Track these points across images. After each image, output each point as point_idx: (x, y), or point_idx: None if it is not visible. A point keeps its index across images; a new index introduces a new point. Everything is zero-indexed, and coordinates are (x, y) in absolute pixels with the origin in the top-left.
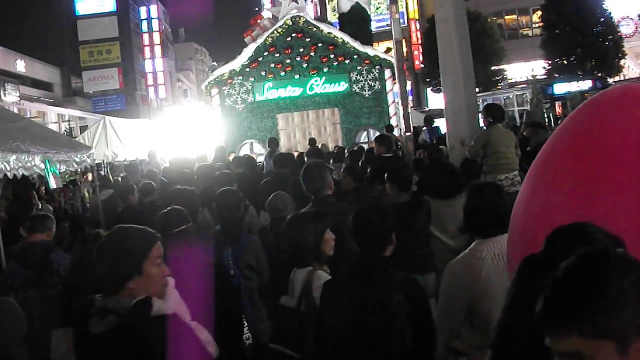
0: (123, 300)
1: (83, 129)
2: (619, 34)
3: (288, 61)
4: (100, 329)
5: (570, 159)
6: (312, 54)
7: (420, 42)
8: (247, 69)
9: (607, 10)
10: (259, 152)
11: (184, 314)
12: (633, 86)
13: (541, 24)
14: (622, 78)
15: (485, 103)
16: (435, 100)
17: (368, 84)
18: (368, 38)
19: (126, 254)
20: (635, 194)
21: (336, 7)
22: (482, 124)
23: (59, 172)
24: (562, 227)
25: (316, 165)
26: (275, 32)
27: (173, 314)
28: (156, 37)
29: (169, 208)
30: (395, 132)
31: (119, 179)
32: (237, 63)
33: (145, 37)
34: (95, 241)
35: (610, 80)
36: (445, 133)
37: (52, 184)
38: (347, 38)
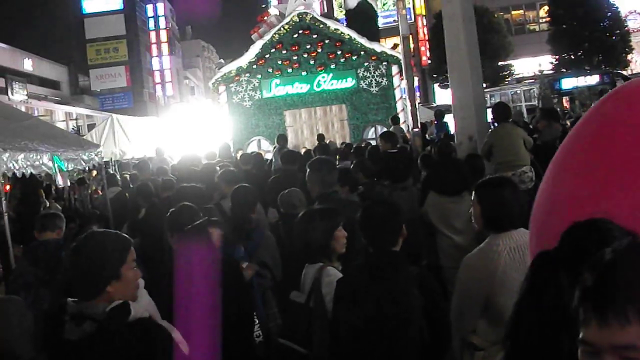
0: (99, 305)
1: (90, 127)
2: (626, 28)
3: (295, 58)
4: (77, 336)
5: (595, 150)
6: (319, 50)
7: (427, 38)
8: (254, 66)
9: (614, 4)
10: (266, 149)
11: (155, 314)
12: None
13: (548, 19)
14: (630, 73)
15: (492, 98)
16: (443, 96)
17: (375, 80)
18: (375, 34)
19: (106, 258)
20: None
21: (343, 3)
22: (490, 120)
23: (67, 170)
24: (578, 223)
25: (322, 161)
26: (282, 28)
27: (149, 317)
28: (163, 35)
29: (179, 205)
30: (403, 127)
31: (127, 176)
32: (244, 60)
33: (152, 34)
34: None
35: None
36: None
37: (60, 182)
38: (354, 34)
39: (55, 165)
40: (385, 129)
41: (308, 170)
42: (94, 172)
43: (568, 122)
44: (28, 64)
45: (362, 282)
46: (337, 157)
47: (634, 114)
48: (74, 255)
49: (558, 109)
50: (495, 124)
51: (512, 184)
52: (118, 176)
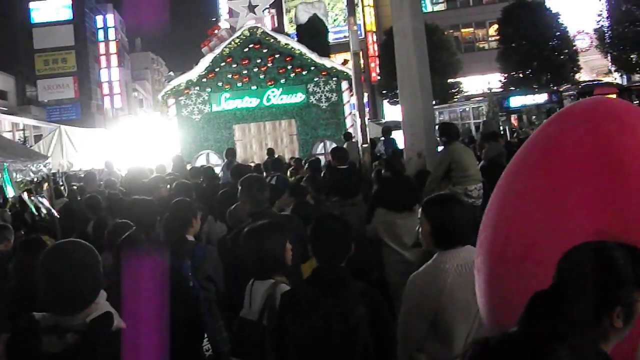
0: (78, 317)
1: (37, 138)
2: (575, 48)
3: (245, 72)
4: (59, 348)
5: (540, 170)
6: (269, 65)
7: (377, 54)
8: (204, 80)
9: (562, 24)
10: (215, 162)
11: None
12: (603, 100)
13: (497, 38)
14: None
15: (441, 115)
16: (392, 112)
17: (325, 95)
18: (325, 50)
19: (95, 269)
20: (599, 208)
21: (294, 18)
22: (439, 137)
23: (11, 182)
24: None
25: (253, 179)
26: (232, 42)
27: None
28: (112, 47)
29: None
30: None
31: (75, 188)
32: (194, 73)
33: (102, 46)
34: (39, 246)
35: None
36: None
37: (10, 193)
38: (304, 49)
39: (6, 175)
40: (334, 144)
41: (239, 188)
42: (45, 185)
43: (516, 139)
44: None
45: (309, 296)
46: (289, 171)
47: (574, 136)
48: (61, 266)
49: (506, 127)
50: (444, 142)
51: (460, 201)
52: (66, 187)
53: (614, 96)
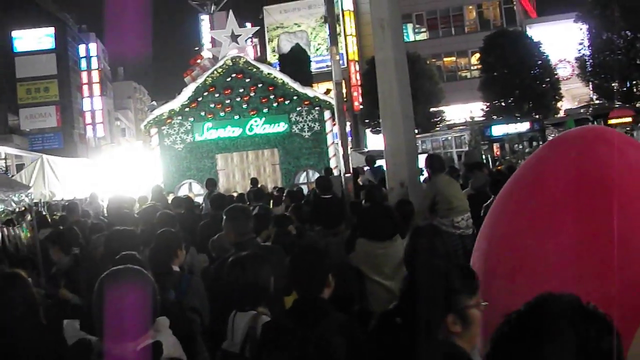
0: (128, 344)
1: (19, 167)
2: (556, 76)
3: (228, 101)
4: None
5: (531, 191)
6: (252, 94)
7: (359, 83)
8: (187, 109)
9: (544, 53)
10: (197, 192)
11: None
12: (593, 127)
13: (479, 67)
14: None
15: (424, 144)
16: (375, 141)
17: (308, 125)
18: (308, 79)
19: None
20: (585, 228)
21: (276, 48)
22: (421, 165)
23: None
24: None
25: (238, 210)
26: (215, 72)
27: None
28: (95, 76)
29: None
30: (335, 173)
31: (55, 217)
32: (176, 103)
33: (84, 75)
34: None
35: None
36: None
37: None
38: (286, 79)
39: None
40: (317, 174)
41: (224, 218)
42: (28, 216)
43: (500, 168)
44: None
45: (287, 328)
46: (271, 201)
47: (564, 159)
48: (117, 296)
49: (488, 156)
50: (429, 174)
51: (437, 230)
52: (49, 217)
53: (630, 119)
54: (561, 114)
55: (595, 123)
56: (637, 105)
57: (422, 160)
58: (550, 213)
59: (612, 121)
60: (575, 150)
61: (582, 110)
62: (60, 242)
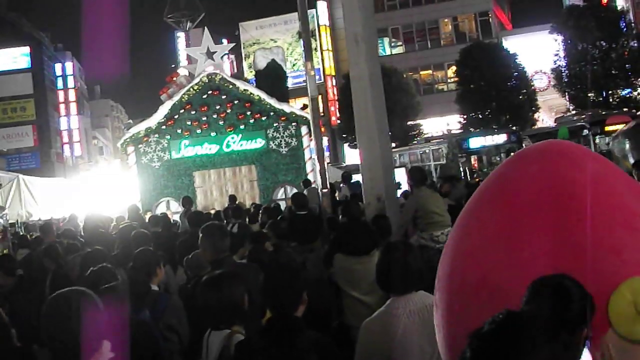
0: None
1: None
2: (533, 87)
3: (204, 118)
4: None
5: (495, 205)
6: (228, 111)
7: (336, 97)
8: (164, 127)
9: (520, 64)
10: (175, 210)
11: None
12: (555, 141)
13: (456, 79)
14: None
15: (401, 158)
16: (353, 155)
17: (285, 140)
18: (284, 95)
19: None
20: (550, 239)
21: (252, 64)
22: (398, 179)
23: None
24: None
25: (214, 227)
26: (191, 89)
27: None
28: (71, 94)
29: (99, 266)
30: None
31: (31, 237)
32: (153, 121)
33: (61, 94)
34: None
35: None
36: None
37: None
38: (263, 95)
39: None
40: (295, 189)
41: (200, 235)
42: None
43: (478, 180)
44: None
45: (261, 346)
46: (247, 218)
47: (527, 173)
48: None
49: (466, 168)
50: (411, 187)
51: (409, 246)
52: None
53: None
54: (539, 124)
55: (592, 130)
56: (635, 111)
57: (399, 174)
58: (513, 229)
59: (609, 127)
60: (537, 164)
61: (575, 118)
62: (2, 265)
